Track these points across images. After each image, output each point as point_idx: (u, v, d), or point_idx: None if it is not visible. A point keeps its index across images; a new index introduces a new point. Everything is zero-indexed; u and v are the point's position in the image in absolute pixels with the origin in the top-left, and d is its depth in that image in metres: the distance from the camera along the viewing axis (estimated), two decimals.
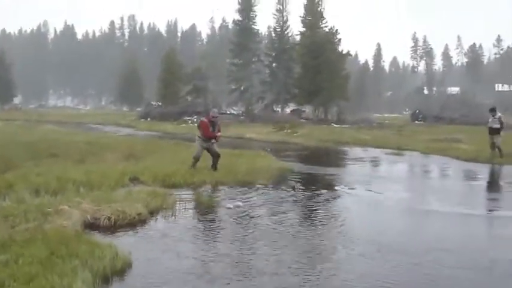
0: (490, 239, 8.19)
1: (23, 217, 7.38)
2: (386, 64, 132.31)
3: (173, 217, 8.70)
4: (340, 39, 55.13)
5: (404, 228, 8.49)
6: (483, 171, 16.48)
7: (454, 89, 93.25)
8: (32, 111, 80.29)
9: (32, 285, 4.92)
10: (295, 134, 32.57)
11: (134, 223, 8.04)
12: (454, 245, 7.25)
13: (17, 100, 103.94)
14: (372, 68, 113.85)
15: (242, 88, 61.67)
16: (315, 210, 9.66)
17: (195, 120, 51.40)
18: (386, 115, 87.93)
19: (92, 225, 7.77)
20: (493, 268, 6.39)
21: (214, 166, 13.39)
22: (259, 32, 66.44)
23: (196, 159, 13.32)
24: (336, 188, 12.27)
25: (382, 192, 11.64)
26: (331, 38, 54.48)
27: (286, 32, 61.47)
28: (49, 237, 6.39)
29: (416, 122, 54.29)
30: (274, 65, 61.76)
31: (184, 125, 43.86)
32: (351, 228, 8.13)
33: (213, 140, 13.45)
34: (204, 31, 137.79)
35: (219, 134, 13.60)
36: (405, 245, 7.20)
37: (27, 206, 8.01)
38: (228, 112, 57.46)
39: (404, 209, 10.03)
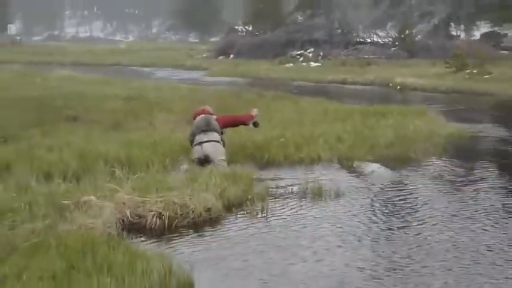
0: None
1: (27, 213, 8.00)
2: None
3: (263, 214, 9.13)
4: None
5: None
6: None
7: None
8: (37, 46, 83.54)
9: None
10: (486, 77, 31.96)
11: (200, 223, 8.61)
12: None
13: (13, 29, 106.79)
14: None
15: None
16: None
17: (310, 56, 51.66)
18: None
19: (134, 226, 8.38)
20: None
21: None
22: None
23: None
24: None
25: None
26: None
27: None
28: (66, 243, 6.95)
29: None
30: None
31: (291, 64, 44.19)
32: None
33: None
34: None
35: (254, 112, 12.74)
36: None
37: (32, 197, 8.64)
38: (368, 40, 56.77)
39: None
